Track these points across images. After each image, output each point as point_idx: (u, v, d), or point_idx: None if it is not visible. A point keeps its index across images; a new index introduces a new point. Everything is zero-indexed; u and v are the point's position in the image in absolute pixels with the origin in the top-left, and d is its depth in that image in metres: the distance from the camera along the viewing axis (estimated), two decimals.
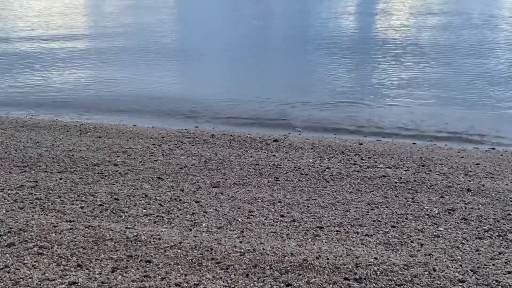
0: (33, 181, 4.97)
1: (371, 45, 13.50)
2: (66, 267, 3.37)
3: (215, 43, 14.31)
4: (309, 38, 14.49)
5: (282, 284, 3.22)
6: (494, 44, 13.64)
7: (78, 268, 3.36)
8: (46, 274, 3.28)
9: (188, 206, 4.44)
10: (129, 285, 3.19)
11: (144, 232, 3.87)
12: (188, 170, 5.42)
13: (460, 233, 4.00)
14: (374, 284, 3.23)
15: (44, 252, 3.55)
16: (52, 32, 15.43)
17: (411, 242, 3.84)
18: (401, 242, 3.84)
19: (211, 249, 3.63)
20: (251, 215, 4.28)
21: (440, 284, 3.23)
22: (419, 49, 12.89)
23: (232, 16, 19.46)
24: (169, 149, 6.20)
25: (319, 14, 18.67)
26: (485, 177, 5.34)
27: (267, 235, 3.92)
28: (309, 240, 3.85)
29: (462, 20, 17.34)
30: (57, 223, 4.01)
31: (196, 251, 3.61)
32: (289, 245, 3.73)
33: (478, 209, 4.48)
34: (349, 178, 5.23)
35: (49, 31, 15.64)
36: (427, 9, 19.66)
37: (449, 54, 12.60)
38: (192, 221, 4.16)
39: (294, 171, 5.44)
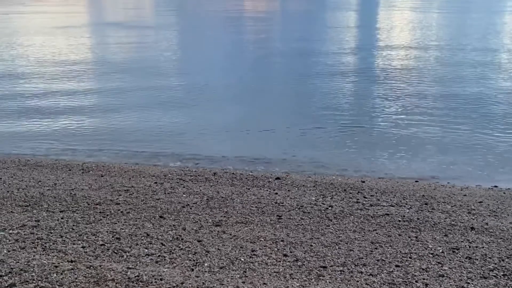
0: (35, 220, 4.96)
1: (375, 85, 13.63)
2: None
3: (214, 79, 14.48)
4: (310, 75, 14.63)
5: None
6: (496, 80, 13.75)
7: None
8: None
9: (190, 246, 4.41)
10: None
11: (146, 273, 3.84)
12: (190, 208, 5.41)
13: (465, 272, 3.96)
14: None
15: None
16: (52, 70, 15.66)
17: (416, 282, 3.80)
18: (406, 282, 3.80)
19: None
20: (254, 255, 4.25)
21: None
22: (418, 85, 13.00)
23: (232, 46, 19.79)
24: (171, 187, 6.20)
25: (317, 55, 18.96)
26: (489, 215, 5.32)
27: (270, 275, 3.89)
28: (313, 280, 3.82)
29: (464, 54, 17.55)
30: (59, 263, 3.98)
31: None
32: (292, 285, 3.69)
33: (482, 247, 4.44)
34: (352, 217, 5.21)
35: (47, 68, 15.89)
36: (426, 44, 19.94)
37: (449, 89, 12.72)
38: (194, 260, 4.12)
39: (296, 209, 5.42)
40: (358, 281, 3.79)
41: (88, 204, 5.49)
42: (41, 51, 19.34)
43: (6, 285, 3.61)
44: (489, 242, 4.57)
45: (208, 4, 45.11)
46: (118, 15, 38.00)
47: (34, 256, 4.12)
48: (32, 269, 3.85)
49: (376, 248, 4.40)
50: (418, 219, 5.16)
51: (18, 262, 3.99)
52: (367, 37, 23.65)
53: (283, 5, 47.41)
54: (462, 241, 4.58)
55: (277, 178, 6.67)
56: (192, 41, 23.03)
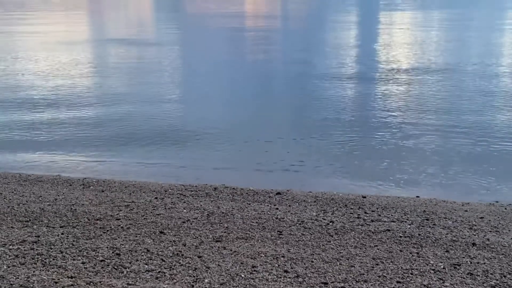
0: (35, 236, 4.95)
1: (376, 98, 13.68)
2: None
3: (214, 94, 14.54)
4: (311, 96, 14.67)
5: None
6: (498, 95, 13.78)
7: None
8: None
9: (190, 261, 4.40)
10: None
11: None
12: (191, 224, 5.40)
13: None
14: None
15: None
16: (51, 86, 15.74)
17: None
18: None
19: None
20: (254, 271, 4.23)
21: None
22: (419, 102, 13.04)
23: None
24: (172, 202, 6.19)
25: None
26: (490, 231, 5.30)
27: None
28: None
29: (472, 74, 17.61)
30: (58, 279, 3.97)
31: None
32: None
33: (484, 264, 4.42)
34: (353, 232, 5.20)
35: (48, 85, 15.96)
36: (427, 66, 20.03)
37: (450, 102, 12.76)
38: (194, 276, 4.11)
39: (297, 224, 5.41)
40: None
41: (89, 220, 5.48)
42: (44, 65, 19.46)
43: None
44: (491, 258, 4.55)
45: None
46: (122, 31, 38.24)
47: (34, 272, 4.11)
48: (32, 285, 3.84)
49: (377, 264, 4.38)
50: (419, 235, 5.14)
51: (18, 278, 3.97)
52: (367, 56, 23.76)
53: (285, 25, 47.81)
54: (463, 257, 4.56)
55: (278, 193, 6.67)
56: (196, 55, 23.17)
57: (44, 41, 28.46)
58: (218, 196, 6.53)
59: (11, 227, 5.24)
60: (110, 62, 21.70)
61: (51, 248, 4.63)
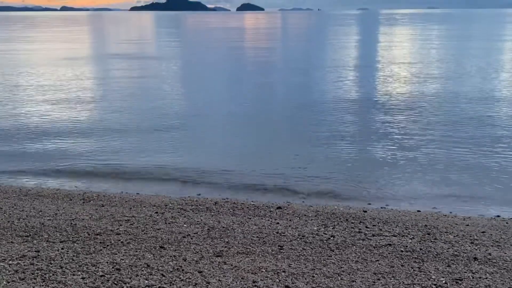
0: (35, 251, 4.93)
1: (376, 111, 13.70)
2: None
3: (216, 109, 14.56)
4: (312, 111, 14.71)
5: None
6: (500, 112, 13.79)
7: None
8: None
9: (190, 277, 4.37)
10: None
11: None
12: (191, 238, 5.37)
13: None
14: None
15: None
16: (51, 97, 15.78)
17: None
18: None
19: None
20: (255, 286, 4.20)
21: None
22: (420, 117, 13.06)
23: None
24: (172, 217, 6.17)
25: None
26: (492, 246, 5.27)
27: None
28: None
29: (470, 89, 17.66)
30: None
31: None
32: None
33: (486, 278, 4.40)
34: (354, 247, 5.17)
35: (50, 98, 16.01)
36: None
37: (452, 115, 12.78)
38: None
39: (298, 239, 5.39)
40: None
41: (89, 234, 5.46)
42: (45, 80, 19.52)
43: None
44: (493, 273, 4.52)
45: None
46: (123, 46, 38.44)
47: (33, 287, 4.08)
48: None
49: (378, 279, 4.36)
50: (420, 249, 5.12)
51: None
52: (369, 72, 23.86)
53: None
54: (465, 272, 4.54)
55: (278, 208, 6.65)
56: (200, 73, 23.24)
57: (50, 57, 28.61)
58: (218, 211, 6.51)
59: (11, 242, 5.22)
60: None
61: (51, 263, 4.61)
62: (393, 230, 5.75)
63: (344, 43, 41.77)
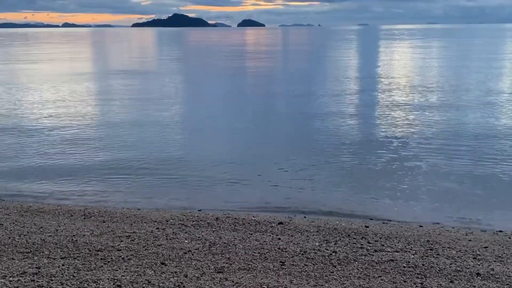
0: (36, 267, 4.91)
1: (376, 124, 13.71)
2: None
3: (216, 123, 14.59)
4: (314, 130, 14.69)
5: None
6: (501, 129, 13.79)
7: None
8: None
9: None
10: None
11: None
12: (192, 254, 5.35)
13: None
14: None
15: None
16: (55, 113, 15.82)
17: None
18: None
19: None
20: None
21: None
22: (420, 129, 13.06)
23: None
24: (173, 233, 6.15)
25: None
26: (494, 261, 5.24)
27: None
28: None
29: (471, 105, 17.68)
30: None
31: None
32: None
33: None
34: (356, 263, 5.15)
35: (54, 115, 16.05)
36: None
37: (453, 132, 12.78)
38: None
39: (300, 255, 5.36)
40: None
41: (89, 251, 5.44)
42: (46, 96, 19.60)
43: None
44: None
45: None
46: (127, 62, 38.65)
47: None
48: None
49: None
50: (423, 265, 5.09)
51: None
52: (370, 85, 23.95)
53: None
54: None
55: (280, 223, 6.63)
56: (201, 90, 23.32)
57: (56, 73, 28.75)
58: (220, 226, 6.49)
59: (12, 258, 5.20)
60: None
61: (52, 280, 4.59)
62: (395, 245, 5.73)
63: (346, 57, 41.98)
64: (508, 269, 5.00)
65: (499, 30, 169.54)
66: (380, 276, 4.78)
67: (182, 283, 4.57)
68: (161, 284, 4.54)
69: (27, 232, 6.16)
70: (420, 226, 6.85)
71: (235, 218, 6.90)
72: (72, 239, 5.84)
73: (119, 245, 5.66)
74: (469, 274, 4.84)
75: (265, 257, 5.30)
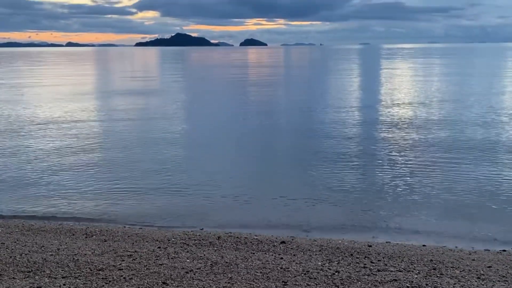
0: (37, 287, 4.88)
1: (381, 154, 13.69)
2: None
3: (218, 141, 14.61)
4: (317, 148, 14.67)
5: None
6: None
7: None
8: None
9: None
10: None
11: None
12: (194, 274, 5.32)
13: None
14: None
15: None
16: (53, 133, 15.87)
17: None
18: None
19: None
20: None
21: None
22: (422, 146, 13.04)
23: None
24: (175, 252, 6.12)
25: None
26: (499, 281, 5.20)
27: None
28: None
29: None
30: None
31: None
32: None
33: None
34: (359, 283, 5.10)
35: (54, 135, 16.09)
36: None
37: (455, 148, 12.77)
38: None
39: (302, 274, 5.32)
40: None
41: (91, 270, 5.41)
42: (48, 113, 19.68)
43: None
44: None
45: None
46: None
47: None
48: None
49: None
50: (426, 284, 5.05)
51: None
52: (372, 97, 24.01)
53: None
54: None
55: (282, 242, 6.59)
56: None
57: (60, 92, 28.87)
58: (221, 245, 6.46)
59: (13, 277, 5.17)
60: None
61: None
62: (398, 265, 5.68)
63: (347, 75, 42.14)
64: None
65: (500, 49, 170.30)
66: None
67: None
68: None
69: (29, 251, 6.13)
70: (423, 245, 6.80)
71: (237, 237, 6.87)
72: (74, 258, 5.81)
73: (120, 264, 5.63)
74: None
75: (267, 276, 5.26)
